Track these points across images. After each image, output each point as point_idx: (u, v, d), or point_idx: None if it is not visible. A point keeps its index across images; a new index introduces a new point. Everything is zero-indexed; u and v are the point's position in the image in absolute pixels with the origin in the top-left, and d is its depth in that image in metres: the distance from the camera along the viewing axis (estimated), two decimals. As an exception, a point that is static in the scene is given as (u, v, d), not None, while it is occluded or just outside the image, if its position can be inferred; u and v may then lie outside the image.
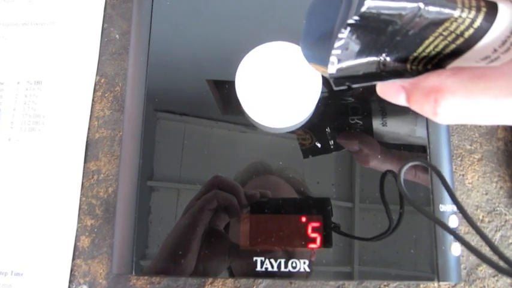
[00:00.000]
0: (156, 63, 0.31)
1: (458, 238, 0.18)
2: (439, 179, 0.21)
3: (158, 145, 0.30)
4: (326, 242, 0.27)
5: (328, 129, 0.29)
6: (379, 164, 0.29)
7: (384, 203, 0.28)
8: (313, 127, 0.30)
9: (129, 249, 0.28)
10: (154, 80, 0.31)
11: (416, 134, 0.29)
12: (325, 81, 0.29)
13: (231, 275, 0.28)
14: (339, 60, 0.14)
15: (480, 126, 0.33)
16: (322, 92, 0.28)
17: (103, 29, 0.36)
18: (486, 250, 0.29)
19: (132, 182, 0.29)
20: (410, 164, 0.22)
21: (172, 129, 0.30)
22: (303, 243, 0.27)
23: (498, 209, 0.31)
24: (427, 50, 0.15)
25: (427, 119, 0.29)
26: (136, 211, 0.28)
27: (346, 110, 0.30)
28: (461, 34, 0.14)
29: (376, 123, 0.29)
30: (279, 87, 0.28)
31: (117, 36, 0.36)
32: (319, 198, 0.28)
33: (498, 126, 0.33)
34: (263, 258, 0.27)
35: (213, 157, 0.29)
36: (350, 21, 0.13)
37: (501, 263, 0.16)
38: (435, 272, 0.27)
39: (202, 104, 0.31)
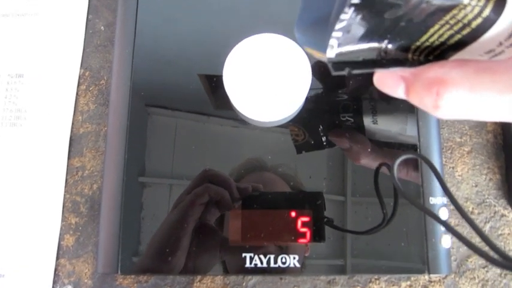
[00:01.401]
0: (142, 56, 0.30)
1: (449, 228, 0.18)
2: (431, 170, 0.21)
3: (149, 141, 0.29)
4: (318, 236, 0.27)
5: (321, 126, 0.29)
6: (370, 161, 0.29)
7: (378, 195, 0.27)
8: (306, 123, 0.29)
9: (114, 248, 0.27)
10: (140, 73, 0.30)
11: (407, 132, 0.29)
12: (318, 78, 0.29)
13: (225, 271, 0.27)
14: (339, 44, 0.13)
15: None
16: (314, 89, 0.27)
17: (88, 20, 0.35)
18: (476, 241, 0.29)
19: (117, 178, 0.28)
20: (404, 157, 0.22)
21: (163, 124, 0.30)
22: (293, 238, 0.27)
23: (487, 200, 0.31)
24: (431, 40, 0.14)
25: (417, 116, 0.29)
26: (122, 208, 0.28)
27: (337, 107, 0.30)
28: (469, 23, 0.14)
29: (367, 121, 0.29)
30: (267, 79, 0.27)
31: (102, 27, 0.35)
32: (311, 192, 0.28)
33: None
34: (252, 254, 0.27)
35: (205, 152, 0.29)
36: (354, 0, 0.12)
37: (491, 253, 0.16)
38: (425, 264, 0.27)
39: (194, 98, 0.30)
